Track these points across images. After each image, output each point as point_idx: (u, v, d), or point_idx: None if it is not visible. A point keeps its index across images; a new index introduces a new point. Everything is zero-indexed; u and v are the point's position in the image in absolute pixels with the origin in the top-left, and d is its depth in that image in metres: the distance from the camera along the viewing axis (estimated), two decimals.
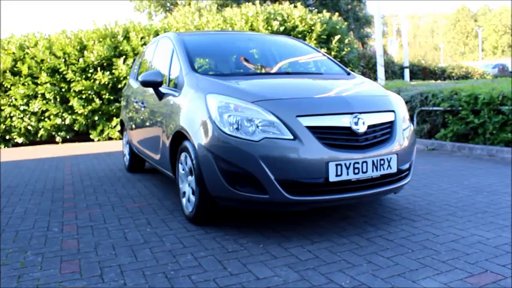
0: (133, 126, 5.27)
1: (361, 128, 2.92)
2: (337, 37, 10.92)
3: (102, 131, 10.74)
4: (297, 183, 2.79)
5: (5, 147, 10.58)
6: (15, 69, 10.28)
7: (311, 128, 2.84)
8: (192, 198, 3.30)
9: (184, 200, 3.50)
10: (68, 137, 10.80)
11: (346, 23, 12.53)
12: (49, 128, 10.48)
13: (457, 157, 6.22)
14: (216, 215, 3.33)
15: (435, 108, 7.24)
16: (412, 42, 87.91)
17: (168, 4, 19.19)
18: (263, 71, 4.25)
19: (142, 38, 10.75)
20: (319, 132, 2.85)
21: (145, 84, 3.92)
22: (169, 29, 11.20)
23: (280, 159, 2.77)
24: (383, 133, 3.08)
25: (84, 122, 10.51)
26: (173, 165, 3.77)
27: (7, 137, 10.62)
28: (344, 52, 10.91)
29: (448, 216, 3.41)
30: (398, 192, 3.57)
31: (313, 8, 17.53)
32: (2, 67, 10.14)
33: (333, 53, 10.79)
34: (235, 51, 4.43)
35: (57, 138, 10.70)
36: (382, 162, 2.94)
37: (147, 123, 4.50)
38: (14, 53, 10.34)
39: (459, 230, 3.07)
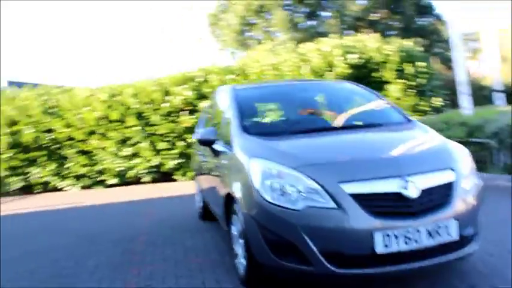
0: (201, 175, 5.39)
1: (412, 193, 2.69)
2: (418, 64, 10.43)
3: (185, 172, 11.20)
4: (341, 255, 2.64)
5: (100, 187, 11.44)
6: (107, 116, 11.14)
7: (355, 195, 2.67)
8: (243, 261, 3.25)
9: (237, 261, 3.46)
10: (154, 177, 11.40)
11: (423, 48, 11.88)
12: (138, 170, 11.16)
13: None
14: (268, 281, 3.21)
15: None
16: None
17: (251, 43, 19.84)
18: (314, 125, 4.11)
19: (220, 79, 11.15)
20: (364, 199, 2.67)
21: (200, 142, 4.03)
22: (246, 69, 11.48)
23: (322, 230, 2.64)
24: (440, 196, 2.80)
25: (169, 165, 11.05)
26: (228, 224, 3.77)
27: (100, 179, 11.46)
28: (421, 80, 10.39)
29: None
30: (465, 260, 3.21)
31: (397, 36, 16.99)
32: (96, 115, 11.05)
33: (408, 83, 10.32)
34: (288, 105, 4.40)
35: (145, 179, 11.33)
36: (438, 229, 2.67)
37: (209, 177, 4.58)
38: (105, 101, 11.23)
39: None
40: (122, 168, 11.24)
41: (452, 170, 2.94)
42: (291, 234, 2.71)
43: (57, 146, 11.36)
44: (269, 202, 2.82)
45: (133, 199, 8.91)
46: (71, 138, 11.30)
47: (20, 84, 15.12)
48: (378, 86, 10.63)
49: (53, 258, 4.60)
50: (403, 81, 10.27)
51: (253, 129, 3.76)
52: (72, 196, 10.58)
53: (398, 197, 2.69)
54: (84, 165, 11.31)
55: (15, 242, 5.62)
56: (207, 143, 4.02)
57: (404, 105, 10.27)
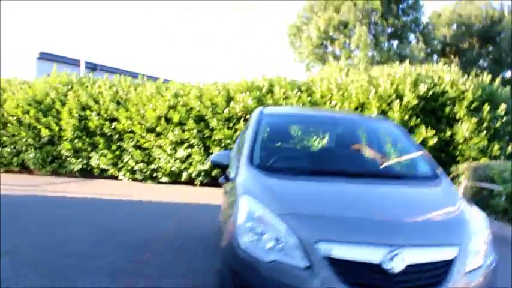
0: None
1: (397, 267, 2.33)
2: (499, 106, 9.55)
3: None
4: None
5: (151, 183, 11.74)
6: (167, 116, 11.36)
7: (330, 259, 2.37)
8: None
9: None
10: (205, 181, 11.46)
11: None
12: (190, 172, 11.29)
13: None
14: None
15: None
16: None
17: (331, 58, 19.43)
18: (328, 167, 3.70)
19: (284, 92, 10.95)
20: (339, 265, 2.36)
21: (214, 164, 3.87)
22: (313, 85, 11.19)
23: None
24: (433, 274, 2.41)
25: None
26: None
27: (154, 175, 11.74)
28: (499, 123, 9.47)
29: None
30: None
31: (487, 68, 15.81)
32: (157, 113, 11.31)
33: (485, 124, 9.45)
34: (310, 139, 4.12)
35: (196, 181, 11.43)
36: None
37: (222, 197, 4.44)
38: (169, 100, 11.45)
39: None
40: (175, 168, 11.42)
41: (457, 245, 2.53)
42: (255, 285, 2.48)
43: (117, 136, 11.80)
44: (241, 247, 2.60)
45: (175, 201, 9.01)
46: (131, 131, 11.66)
47: (96, 66, 15.97)
48: (448, 122, 9.90)
49: (63, 253, 4.69)
50: (475, 120, 9.44)
51: (264, 160, 3.53)
52: (124, 187, 10.94)
53: (379, 268, 2.35)
54: (140, 161, 11.62)
55: (42, 230, 5.80)
56: (219, 166, 3.86)
57: (472, 147, 9.46)
